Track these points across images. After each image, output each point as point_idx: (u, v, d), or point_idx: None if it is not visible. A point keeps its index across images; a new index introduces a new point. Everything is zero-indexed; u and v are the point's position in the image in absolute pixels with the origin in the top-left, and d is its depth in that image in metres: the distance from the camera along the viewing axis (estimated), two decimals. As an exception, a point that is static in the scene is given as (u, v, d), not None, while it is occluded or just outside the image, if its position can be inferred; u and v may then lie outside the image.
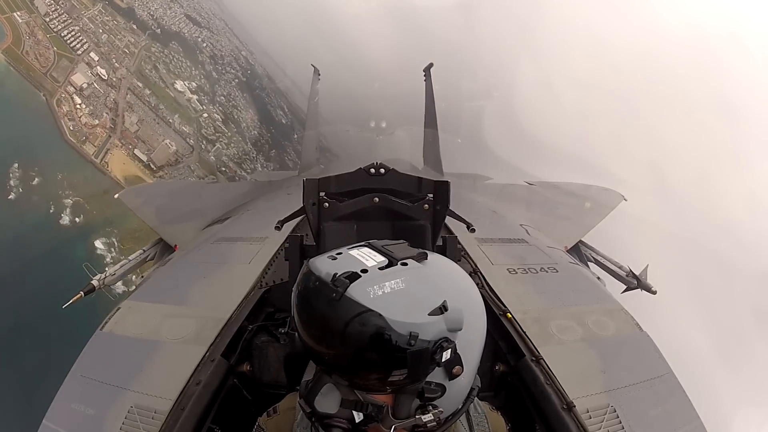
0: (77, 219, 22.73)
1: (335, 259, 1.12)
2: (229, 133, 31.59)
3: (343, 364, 1.08)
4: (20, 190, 21.86)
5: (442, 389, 1.14)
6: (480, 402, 1.46)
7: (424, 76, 9.77)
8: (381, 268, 1.08)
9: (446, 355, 1.09)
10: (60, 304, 5.11)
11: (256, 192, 7.96)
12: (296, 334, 1.16)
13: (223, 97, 33.65)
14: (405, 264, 1.10)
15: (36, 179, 22.62)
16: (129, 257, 5.94)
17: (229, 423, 2.36)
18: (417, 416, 1.14)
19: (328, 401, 1.13)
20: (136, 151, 27.79)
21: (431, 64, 9.81)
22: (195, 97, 31.93)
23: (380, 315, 1.01)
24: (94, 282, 5.37)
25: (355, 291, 1.02)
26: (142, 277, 4.73)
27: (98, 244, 22.12)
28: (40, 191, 22.59)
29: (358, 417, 1.12)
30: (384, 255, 1.13)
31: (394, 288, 1.05)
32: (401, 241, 1.24)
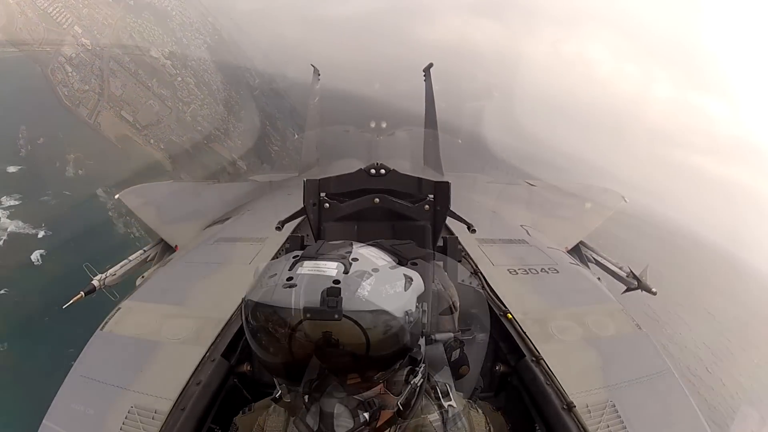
0: (80, 171, 26.44)
1: (294, 286, 1.06)
2: (202, 95, 33.96)
3: (353, 382, 1.08)
4: (29, 147, 25.92)
5: (419, 345, 1.18)
6: (461, 414, 1.43)
7: (424, 76, 9.76)
8: (345, 272, 1.09)
9: (423, 315, 1.16)
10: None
11: (256, 192, 7.96)
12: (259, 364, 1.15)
13: (194, 62, 35.75)
14: (356, 259, 1.14)
15: (41, 139, 26.53)
16: (129, 257, 5.93)
17: (230, 423, 2.36)
18: (411, 382, 1.19)
19: (342, 422, 1.12)
20: (123, 113, 30.71)
21: (431, 64, 9.80)
22: (169, 62, 34.10)
23: (382, 310, 1.04)
24: (95, 282, 5.36)
25: (348, 303, 1.02)
26: (143, 277, 4.73)
27: (99, 192, 24.76)
28: (46, 149, 26.46)
29: (364, 417, 1.14)
30: (330, 259, 1.12)
31: (371, 282, 1.08)
32: (321, 241, 1.26)
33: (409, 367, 1.16)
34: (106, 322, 3.02)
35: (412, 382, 1.20)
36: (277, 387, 1.24)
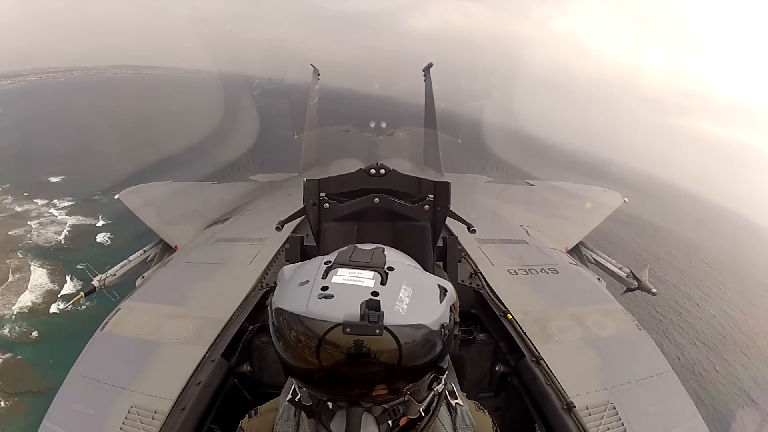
0: (127, 168, 27.63)
1: (331, 297, 1.01)
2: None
3: (380, 393, 1.05)
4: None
5: (448, 353, 1.15)
6: (468, 412, 1.45)
7: (424, 76, 9.76)
8: (383, 283, 1.04)
9: (457, 325, 1.14)
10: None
11: (256, 192, 7.96)
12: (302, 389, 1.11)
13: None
14: (392, 269, 1.09)
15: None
16: (129, 257, 5.93)
17: (229, 423, 2.36)
18: (434, 389, 1.18)
19: (369, 430, 1.10)
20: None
21: (431, 64, 9.80)
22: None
23: (421, 324, 1.00)
24: (95, 282, 5.36)
25: (388, 317, 0.97)
26: (143, 277, 4.72)
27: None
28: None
29: (388, 424, 1.14)
30: (366, 268, 1.08)
31: (409, 294, 1.03)
32: (352, 246, 1.21)
33: (434, 375, 1.14)
34: (106, 323, 3.02)
35: (434, 389, 1.19)
36: (297, 390, 1.22)
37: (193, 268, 3.97)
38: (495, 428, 1.51)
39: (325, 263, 1.12)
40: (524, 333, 2.85)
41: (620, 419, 2.29)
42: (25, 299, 19.45)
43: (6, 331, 17.47)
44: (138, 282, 4.48)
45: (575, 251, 6.00)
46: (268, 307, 1.14)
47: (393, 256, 1.18)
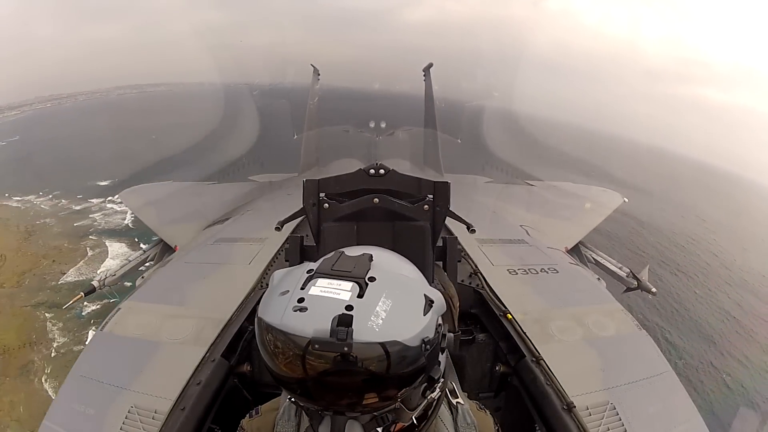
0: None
1: (305, 310, 1.00)
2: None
3: (366, 404, 1.04)
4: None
5: (439, 362, 1.14)
6: (469, 411, 1.45)
7: (424, 76, 9.75)
8: (359, 296, 1.02)
9: (445, 337, 1.12)
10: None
11: (255, 193, 7.96)
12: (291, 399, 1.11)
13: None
14: (373, 279, 1.07)
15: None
16: (129, 257, 5.94)
17: (229, 423, 2.36)
18: (428, 396, 1.16)
19: None
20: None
21: (431, 64, 9.79)
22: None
23: (395, 341, 0.98)
24: (95, 282, 5.37)
25: (359, 334, 0.95)
26: (143, 277, 4.73)
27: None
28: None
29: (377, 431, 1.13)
30: (345, 278, 1.06)
31: (387, 308, 1.01)
32: (338, 252, 1.19)
33: (426, 384, 1.12)
34: (106, 323, 3.02)
35: (429, 397, 1.17)
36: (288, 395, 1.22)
37: (193, 268, 3.97)
38: (497, 428, 1.50)
39: (308, 272, 1.10)
40: (524, 333, 2.85)
41: (620, 419, 2.29)
42: (109, 264, 22.74)
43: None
44: (138, 282, 4.48)
45: (575, 251, 6.00)
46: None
47: (381, 263, 1.16)
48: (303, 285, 1.06)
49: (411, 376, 1.03)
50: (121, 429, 2.19)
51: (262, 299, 1.14)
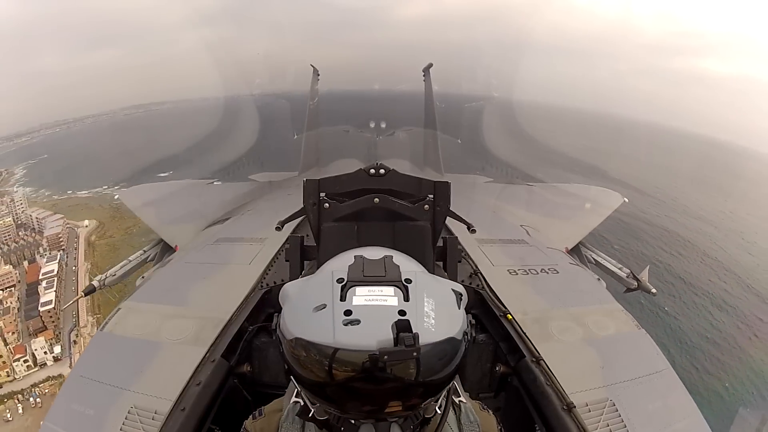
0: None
1: (358, 323, 0.95)
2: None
3: (422, 403, 1.04)
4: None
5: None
6: (471, 409, 1.45)
7: (424, 76, 9.75)
8: (406, 299, 1.01)
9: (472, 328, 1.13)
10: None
11: (256, 193, 7.96)
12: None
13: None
14: (409, 281, 1.05)
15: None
16: (129, 257, 5.93)
17: (229, 423, 2.36)
18: (450, 385, 1.19)
19: None
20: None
21: (431, 64, 9.79)
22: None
23: (450, 338, 0.99)
24: (95, 282, 5.36)
25: (423, 336, 0.92)
26: (143, 277, 4.73)
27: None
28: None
29: (411, 427, 1.14)
30: (384, 284, 1.04)
31: (433, 307, 1.00)
32: (358, 257, 1.16)
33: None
34: (106, 323, 3.02)
35: (451, 385, 1.23)
36: (308, 404, 1.18)
37: (193, 268, 3.97)
38: (500, 428, 1.51)
39: (338, 281, 1.05)
40: (524, 333, 2.85)
41: (620, 416, 2.29)
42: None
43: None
44: (138, 282, 4.48)
45: (575, 251, 6.00)
46: (277, 331, 1.08)
47: (403, 264, 1.15)
48: (342, 297, 1.01)
49: (457, 368, 1.04)
50: (121, 429, 2.19)
51: (286, 317, 1.07)
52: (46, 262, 49.75)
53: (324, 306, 1.00)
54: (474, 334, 1.14)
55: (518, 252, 4.28)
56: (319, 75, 10.39)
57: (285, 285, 1.19)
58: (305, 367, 1.00)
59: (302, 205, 2.56)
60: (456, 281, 2.66)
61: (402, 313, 0.96)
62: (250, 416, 1.51)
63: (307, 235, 2.70)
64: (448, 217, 2.63)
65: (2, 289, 44.98)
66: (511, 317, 3.00)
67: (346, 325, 0.95)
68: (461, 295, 1.11)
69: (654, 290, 5.61)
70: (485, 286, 3.45)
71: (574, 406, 2.29)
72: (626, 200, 7.99)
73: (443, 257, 2.70)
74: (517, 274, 3.73)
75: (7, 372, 36.91)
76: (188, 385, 2.41)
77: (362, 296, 1.00)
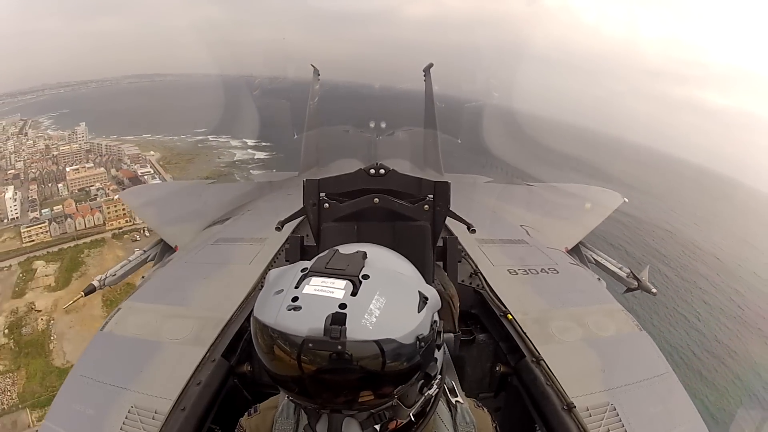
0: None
1: (299, 309, 1.01)
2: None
3: (362, 401, 1.04)
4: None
5: (435, 359, 1.14)
6: (468, 410, 1.44)
7: (424, 76, 9.74)
8: (353, 294, 1.03)
9: (440, 334, 1.14)
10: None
11: (256, 193, 7.95)
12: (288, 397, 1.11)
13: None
14: (366, 277, 1.07)
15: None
16: (129, 258, 5.93)
17: (230, 423, 2.36)
18: (425, 393, 1.17)
19: None
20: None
21: (431, 64, 9.77)
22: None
23: (389, 339, 0.99)
24: (95, 282, 5.36)
25: (353, 332, 0.96)
26: (143, 277, 4.73)
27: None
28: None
29: (374, 429, 1.13)
30: (339, 276, 1.07)
31: (381, 306, 1.02)
32: (332, 250, 1.19)
33: (422, 381, 1.13)
34: (107, 323, 3.02)
35: (426, 394, 1.18)
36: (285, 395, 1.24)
37: (194, 268, 3.97)
38: (495, 425, 1.51)
39: (302, 270, 1.11)
40: (524, 333, 2.85)
41: (620, 420, 2.29)
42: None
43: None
44: (138, 282, 4.48)
45: (575, 251, 5.99)
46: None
47: (376, 261, 1.17)
48: (297, 284, 1.07)
49: (406, 374, 1.04)
50: (121, 429, 2.19)
51: (258, 298, 1.14)
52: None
53: (281, 291, 1.07)
54: (474, 334, 1.14)
55: (518, 252, 4.28)
56: (319, 75, 10.38)
57: (271, 270, 1.25)
58: (259, 345, 1.08)
59: (302, 205, 2.57)
60: (456, 281, 2.66)
61: (342, 306, 0.99)
62: (246, 413, 1.52)
63: (307, 235, 2.71)
64: (448, 217, 2.63)
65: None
66: (511, 317, 3.00)
67: (289, 310, 1.01)
68: (427, 298, 1.10)
69: (654, 290, 5.61)
70: (485, 286, 3.45)
71: (575, 407, 2.29)
72: (626, 200, 7.99)
73: (443, 257, 2.70)
74: (517, 274, 3.73)
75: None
76: (188, 385, 2.41)
77: (313, 286, 1.06)
